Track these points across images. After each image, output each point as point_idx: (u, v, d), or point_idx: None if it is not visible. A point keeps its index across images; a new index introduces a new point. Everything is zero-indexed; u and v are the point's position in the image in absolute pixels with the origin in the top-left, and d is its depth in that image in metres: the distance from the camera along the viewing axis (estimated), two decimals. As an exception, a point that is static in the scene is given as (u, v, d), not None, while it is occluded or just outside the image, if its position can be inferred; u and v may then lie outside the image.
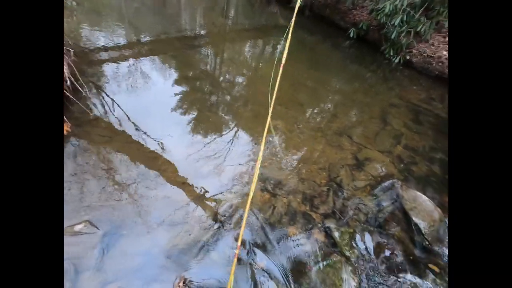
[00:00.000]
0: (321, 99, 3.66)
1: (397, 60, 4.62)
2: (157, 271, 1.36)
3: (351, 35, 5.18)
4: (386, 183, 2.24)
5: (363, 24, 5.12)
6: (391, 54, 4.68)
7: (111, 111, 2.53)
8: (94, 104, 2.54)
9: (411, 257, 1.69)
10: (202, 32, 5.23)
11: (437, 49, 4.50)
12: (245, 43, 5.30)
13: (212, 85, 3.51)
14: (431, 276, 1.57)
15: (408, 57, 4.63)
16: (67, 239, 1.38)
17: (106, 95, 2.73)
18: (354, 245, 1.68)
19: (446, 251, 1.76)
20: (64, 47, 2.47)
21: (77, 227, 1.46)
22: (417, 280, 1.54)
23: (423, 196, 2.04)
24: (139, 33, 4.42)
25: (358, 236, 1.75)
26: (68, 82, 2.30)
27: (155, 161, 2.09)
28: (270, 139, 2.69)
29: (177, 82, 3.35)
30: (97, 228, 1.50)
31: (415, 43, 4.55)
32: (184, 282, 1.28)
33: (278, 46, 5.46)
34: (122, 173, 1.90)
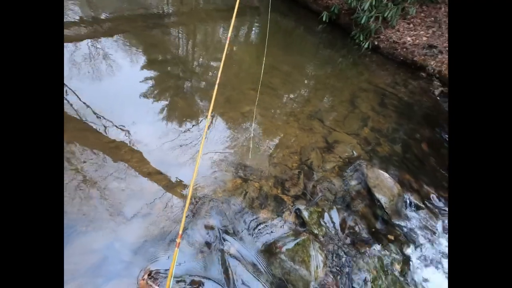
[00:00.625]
0: (295, 84, 3.67)
1: (366, 45, 4.75)
2: (121, 266, 1.29)
3: (324, 19, 5.18)
4: (353, 164, 2.36)
5: (335, 8, 5.13)
6: (361, 39, 4.79)
7: (68, 98, 2.26)
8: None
9: (372, 230, 1.84)
10: (170, 10, 4.82)
11: (402, 35, 4.70)
12: (217, 24, 5.02)
13: (182, 69, 3.30)
14: (388, 245, 1.73)
15: (376, 43, 4.78)
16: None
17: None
18: (322, 223, 1.77)
19: (402, 222, 1.94)
20: None
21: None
22: (377, 249, 1.69)
23: (385, 173, 2.20)
24: (96, 9, 3.93)
25: (326, 215, 1.84)
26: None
27: (118, 151, 1.94)
28: (243, 124, 2.65)
29: (143, 65, 3.08)
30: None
31: (383, 28, 4.69)
32: (149, 275, 1.24)
33: (253, 28, 5.27)
34: (81, 164, 1.74)
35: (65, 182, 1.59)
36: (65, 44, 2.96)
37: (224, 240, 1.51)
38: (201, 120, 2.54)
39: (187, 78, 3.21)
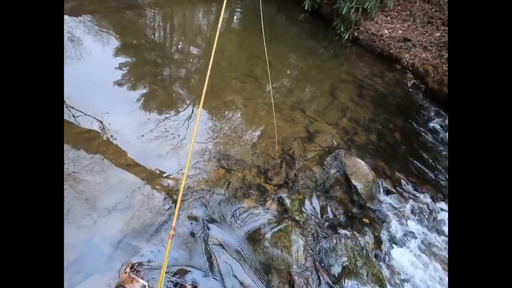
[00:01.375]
0: (277, 74, 3.66)
1: (346, 36, 4.84)
2: (101, 261, 1.26)
3: (306, 7, 5.15)
4: (332, 153, 2.46)
5: (317, -3, 5.11)
6: (342, 30, 4.86)
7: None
8: None
9: (349, 214, 1.96)
10: (144, -10, 4.47)
11: (380, 27, 4.85)
12: (197, 8, 4.78)
13: (159, 55, 3.12)
14: (364, 227, 1.86)
15: (356, 34, 4.89)
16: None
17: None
18: (303, 210, 1.85)
19: (376, 206, 2.09)
20: None
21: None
22: (353, 232, 1.81)
23: (362, 161, 2.33)
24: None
25: (307, 202, 1.92)
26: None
27: (92, 142, 1.83)
28: (226, 114, 2.62)
29: (117, 50, 2.87)
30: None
31: (362, 20, 4.79)
32: (131, 268, 1.22)
33: (235, 13, 5.09)
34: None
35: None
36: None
37: (208, 229, 1.52)
38: (183, 109, 2.46)
39: (165, 65, 3.06)
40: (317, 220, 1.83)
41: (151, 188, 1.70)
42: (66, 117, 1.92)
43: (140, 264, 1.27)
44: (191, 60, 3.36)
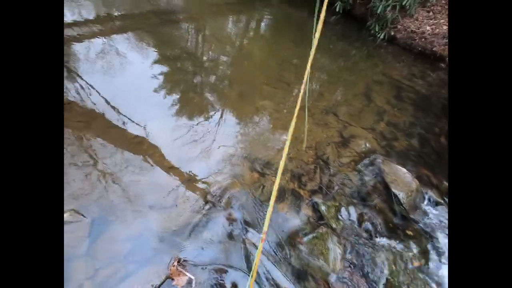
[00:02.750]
0: (308, 78, 3.63)
1: (382, 36, 4.60)
2: (150, 254, 1.38)
3: (337, 9, 5.03)
4: (369, 159, 2.34)
5: (349, -2, 4.97)
6: (377, 30, 4.64)
7: (86, 94, 2.35)
8: (67, 88, 2.35)
9: (390, 225, 1.84)
10: (180, 5, 4.83)
11: (420, 24, 4.51)
12: (227, 17, 5.00)
13: (194, 64, 3.34)
14: (407, 240, 1.73)
15: (392, 33, 4.62)
16: (53, 229, 1.35)
17: (80, 77, 2.52)
18: (340, 217, 1.79)
19: (421, 217, 1.93)
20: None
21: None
22: (395, 244, 1.70)
23: (403, 169, 2.18)
24: (109, 7, 4.00)
25: (343, 209, 1.86)
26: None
27: (140, 146, 2.02)
28: (257, 119, 2.67)
29: (156, 61, 3.14)
30: (83, 216, 1.47)
31: (400, 18, 4.52)
32: (178, 262, 1.32)
33: (262, 21, 5.20)
34: (105, 159, 1.83)
35: (98, 178, 1.68)
36: (82, 42, 3.05)
37: (247, 231, 1.56)
38: (215, 114, 2.58)
39: (201, 73, 3.25)
40: (354, 228, 1.76)
41: (191, 189, 1.81)
42: (119, 124, 2.16)
43: (185, 260, 1.36)
44: (221, 67, 3.51)
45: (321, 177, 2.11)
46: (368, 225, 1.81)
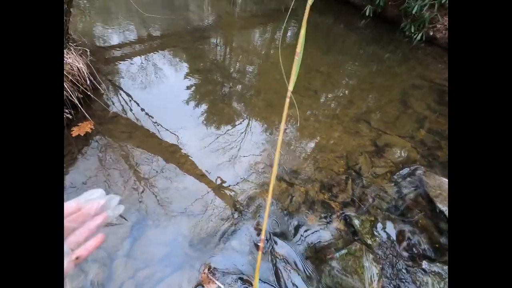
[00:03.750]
0: (336, 85, 3.53)
1: (418, 37, 4.29)
2: (183, 259, 1.43)
3: (367, 13, 4.86)
4: (407, 170, 2.15)
5: (380, 0, 4.77)
6: (412, 31, 4.34)
7: (128, 107, 2.60)
8: (112, 101, 2.63)
9: (436, 245, 1.64)
10: (211, 22, 5.15)
11: (464, 22, 4.11)
12: (254, 30, 5.16)
13: (223, 75, 3.49)
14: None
15: (431, 33, 4.28)
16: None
17: (123, 91, 2.81)
18: (376, 233, 1.66)
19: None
20: (82, 48, 2.54)
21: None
22: (441, 267, 1.50)
23: (449, 182, 1.95)
24: (149, 28, 4.44)
25: (379, 224, 1.71)
26: (88, 82, 2.38)
27: (174, 154, 2.15)
28: (285, 128, 2.66)
29: (188, 74, 3.36)
30: (125, 219, 1.59)
31: (439, 17, 4.18)
32: (209, 269, 1.34)
33: (288, 31, 5.26)
34: (143, 166, 1.98)
35: (141, 185, 1.83)
36: (125, 60, 3.41)
37: (275, 243, 1.53)
38: (242, 123, 2.64)
39: (230, 85, 3.38)
40: (393, 247, 1.60)
41: (220, 196, 1.85)
42: (156, 132, 2.33)
43: (215, 267, 1.38)
44: (248, 77, 3.60)
45: (353, 188, 1.99)
46: (409, 244, 1.64)
